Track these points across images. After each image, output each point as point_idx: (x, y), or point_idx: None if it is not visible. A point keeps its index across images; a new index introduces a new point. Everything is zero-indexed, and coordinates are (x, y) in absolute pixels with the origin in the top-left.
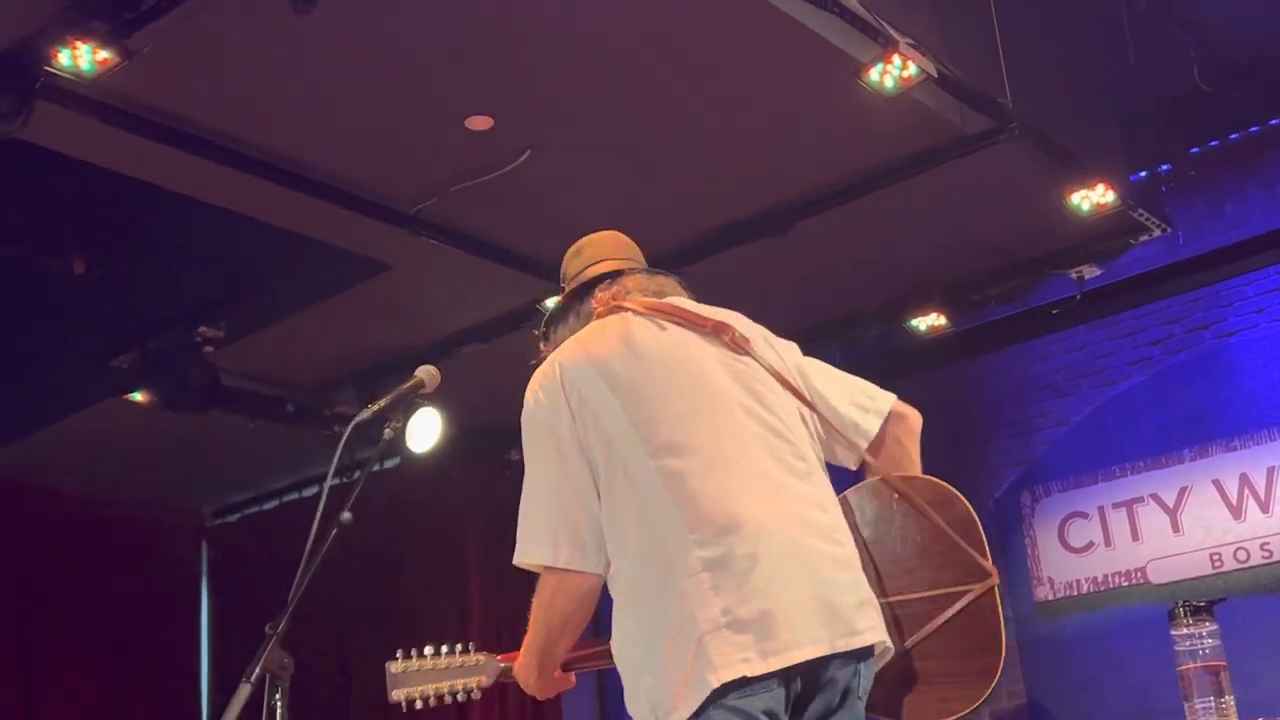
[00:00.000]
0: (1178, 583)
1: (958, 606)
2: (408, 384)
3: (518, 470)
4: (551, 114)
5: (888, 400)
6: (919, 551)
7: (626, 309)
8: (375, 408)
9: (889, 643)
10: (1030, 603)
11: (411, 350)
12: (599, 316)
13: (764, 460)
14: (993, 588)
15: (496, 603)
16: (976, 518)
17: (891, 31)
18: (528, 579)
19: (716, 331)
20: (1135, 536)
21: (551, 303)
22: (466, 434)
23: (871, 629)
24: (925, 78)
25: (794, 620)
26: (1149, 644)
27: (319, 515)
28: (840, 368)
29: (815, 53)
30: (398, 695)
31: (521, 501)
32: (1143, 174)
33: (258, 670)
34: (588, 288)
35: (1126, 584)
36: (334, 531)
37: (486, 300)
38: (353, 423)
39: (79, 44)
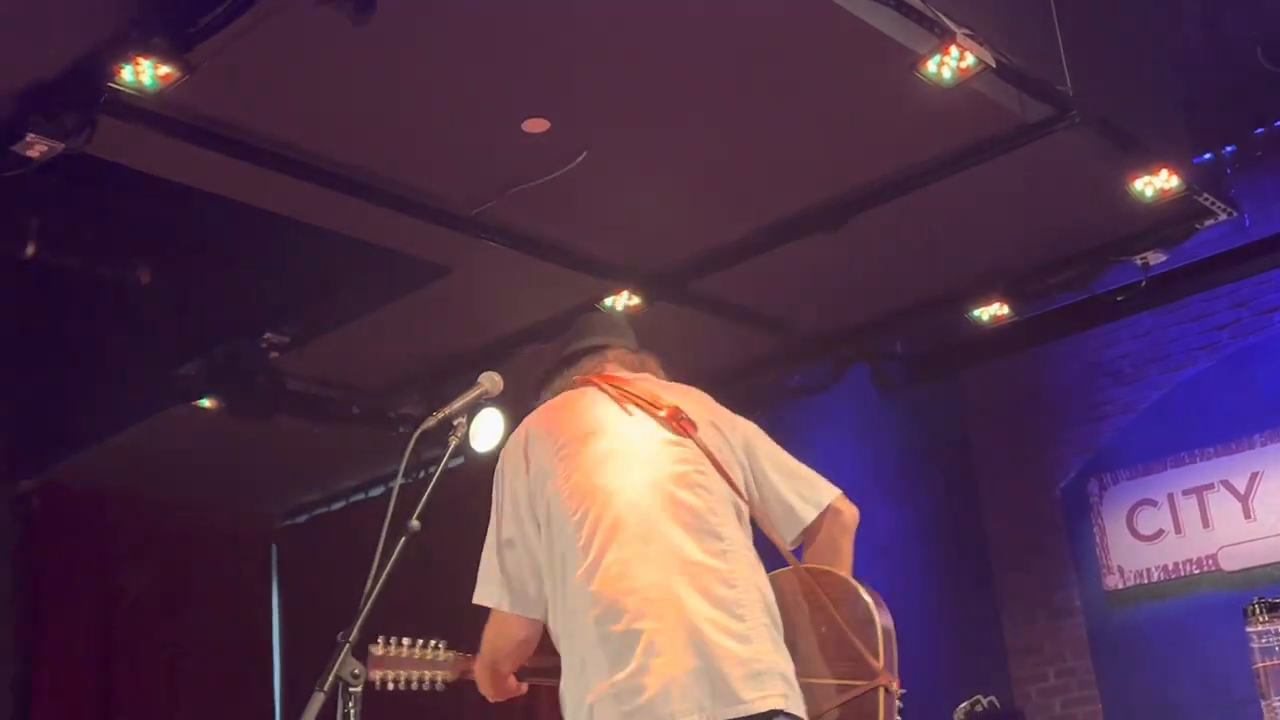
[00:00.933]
0: (1250, 569)
1: (845, 698)
2: (472, 391)
3: None
4: (607, 115)
5: (829, 494)
6: (821, 641)
7: (594, 384)
8: (441, 415)
9: (795, 710)
10: (1100, 592)
11: (472, 351)
12: (576, 388)
13: (678, 538)
14: (879, 687)
15: None
16: (876, 618)
17: (948, 22)
18: None
19: (669, 415)
20: (1206, 523)
21: (615, 301)
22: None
23: (763, 699)
24: (983, 68)
25: (674, 693)
26: (1222, 632)
27: (387, 523)
28: (902, 361)
29: (872, 46)
30: (375, 675)
31: (484, 547)
32: (1207, 156)
33: (330, 679)
34: (573, 358)
35: (1198, 571)
36: (403, 539)
37: (545, 300)
38: (418, 430)
39: (141, 60)
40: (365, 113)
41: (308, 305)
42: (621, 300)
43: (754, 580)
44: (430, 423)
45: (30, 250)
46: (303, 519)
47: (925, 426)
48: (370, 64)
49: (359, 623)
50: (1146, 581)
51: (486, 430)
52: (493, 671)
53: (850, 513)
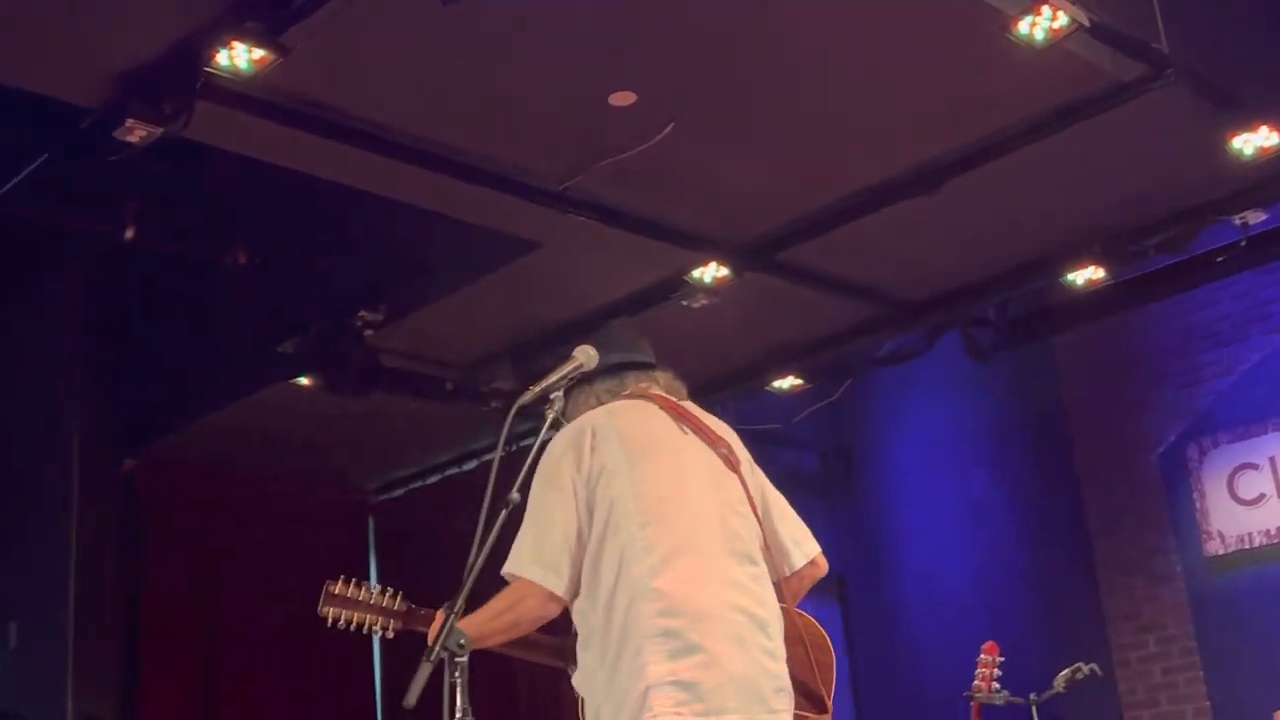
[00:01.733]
0: None
1: None
2: (567, 365)
3: None
4: (694, 86)
5: (814, 548)
6: (798, 673)
7: (653, 400)
8: (537, 389)
9: None
10: (1200, 558)
11: (562, 325)
12: (629, 397)
13: (728, 559)
14: None
15: None
16: (833, 665)
17: None
18: None
19: (717, 445)
20: None
21: (703, 272)
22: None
23: (786, 711)
24: (1076, 28)
25: (727, 691)
26: None
27: (488, 496)
28: (995, 327)
29: (962, 8)
30: (324, 611)
31: (524, 521)
32: None
33: (437, 650)
34: (617, 369)
35: None
36: (503, 511)
37: (634, 273)
38: (515, 405)
39: (236, 44)
40: (455, 90)
41: (400, 282)
42: (710, 271)
43: (777, 607)
44: (527, 397)
45: (130, 233)
46: (398, 493)
47: (1019, 393)
48: (459, 41)
49: (464, 594)
50: (1248, 546)
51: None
52: (483, 640)
53: (824, 567)
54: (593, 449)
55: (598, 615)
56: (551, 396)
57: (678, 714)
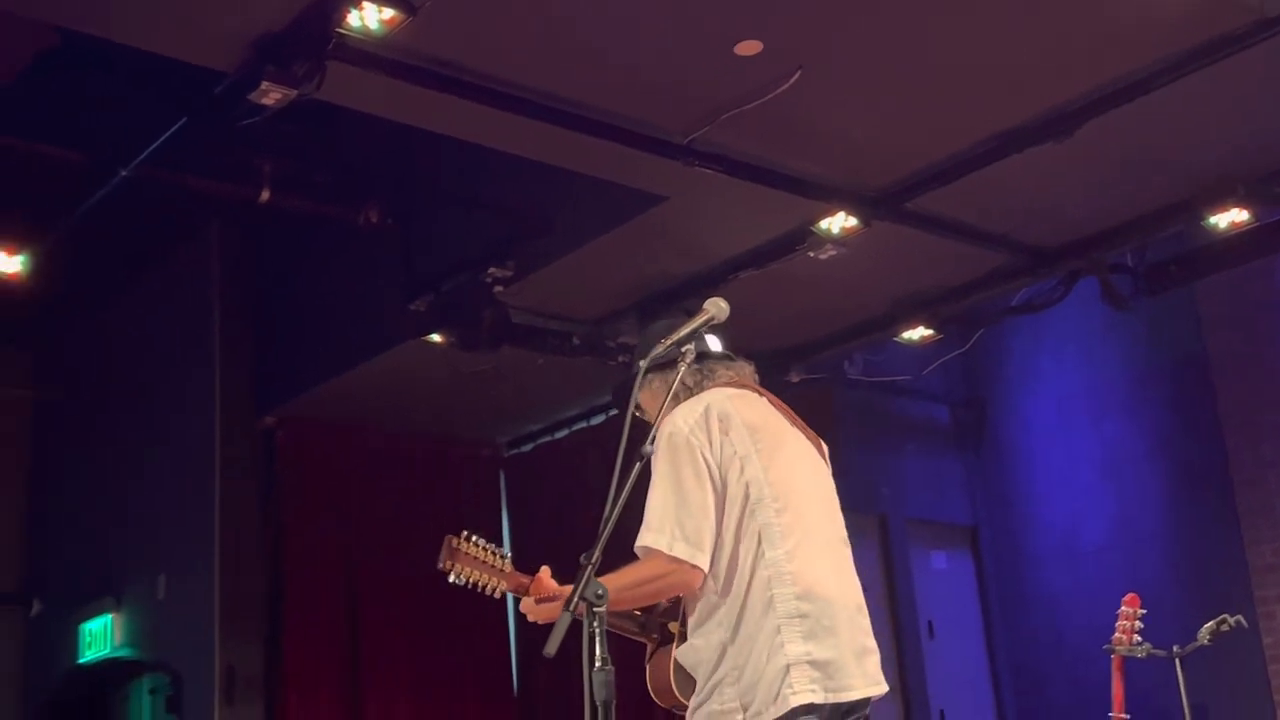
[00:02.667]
0: None
1: None
2: (699, 318)
3: (797, 392)
4: (820, 33)
5: None
6: None
7: (762, 395)
8: (669, 342)
9: None
10: None
11: (688, 278)
12: (729, 385)
13: (838, 545)
14: None
15: None
16: None
17: None
18: None
19: (812, 438)
20: None
21: (831, 223)
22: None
23: (884, 685)
24: None
25: (852, 669)
26: None
27: (622, 448)
28: (1133, 273)
29: None
30: (443, 565)
31: (653, 500)
32: None
33: (576, 600)
34: (705, 357)
35: None
36: (638, 464)
37: (760, 225)
38: (649, 357)
39: (366, 4)
40: (580, 45)
41: (528, 239)
42: (837, 222)
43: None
44: (659, 350)
45: (265, 195)
46: (528, 448)
47: (1158, 340)
48: None
49: (600, 546)
50: None
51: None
52: (618, 602)
53: None
54: (723, 431)
55: (730, 595)
56: (684, 349)
57: (812, 690)
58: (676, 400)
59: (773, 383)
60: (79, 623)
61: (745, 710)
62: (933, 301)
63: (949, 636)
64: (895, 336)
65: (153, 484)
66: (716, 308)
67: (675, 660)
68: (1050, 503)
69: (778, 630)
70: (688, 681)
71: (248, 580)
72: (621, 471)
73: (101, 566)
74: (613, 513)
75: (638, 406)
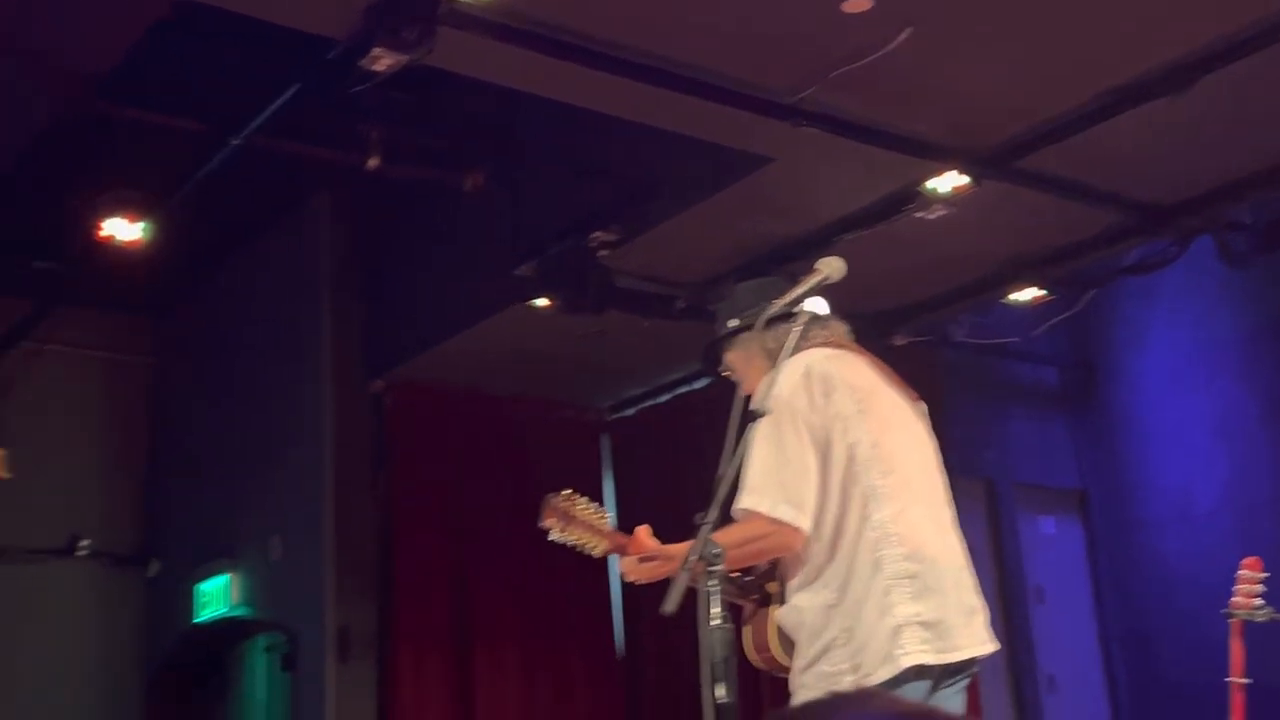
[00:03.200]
0: None
1: None
2: (813, 277)
3: (900, 354)
4: None
5: None
6: None
7: (861, 354)
8: (783, 301)
9: None
10: None
11: (794, 241)
12: (825, 345)
13: (940, 507)
14: None
15: None
16: None
17: None
18: None
19: (911, 398)
20: None
21: (939, 182)
22: (848, 320)
23: (994, 643)
24: None
25: (960, 629)
26: None
27: (736, 408)
28: (1251, 231)
29: None
30: (545, 523)
31: (754, 462)
32: None
33: (693, 558)
34: (800, 317)
35: None
36: (753, 423)
37: (868, 186)
38: (764, 316)
39: None
40: (685, 5)
41: (634, 202)
42: (947, 181)
43: None
44: (774, 309)
45: (374, 162)
46: (631, 412)
47: (1275, 299)
48: None
49: (716, 504)
50: None
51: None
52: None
53: None
54: (825, 393)
55: (836, 557)
56: (796, 310)
57: (923, 650)
58: (771, 361)
59: (877, 346)
60: (196, 583)
61: (856, 671)
62: (1042, 262)
63: (1058, 602)
64: (1004, 298)
65: (266, 447)
66: (830, 267)
67: (775, 622)
68: (1161, 466)
69: (887, 591)
70: (789, 643)
71: (359, 541)
72: (738, 430)
73: (217, 528)
74: (728, 471)
75: (727, 366)
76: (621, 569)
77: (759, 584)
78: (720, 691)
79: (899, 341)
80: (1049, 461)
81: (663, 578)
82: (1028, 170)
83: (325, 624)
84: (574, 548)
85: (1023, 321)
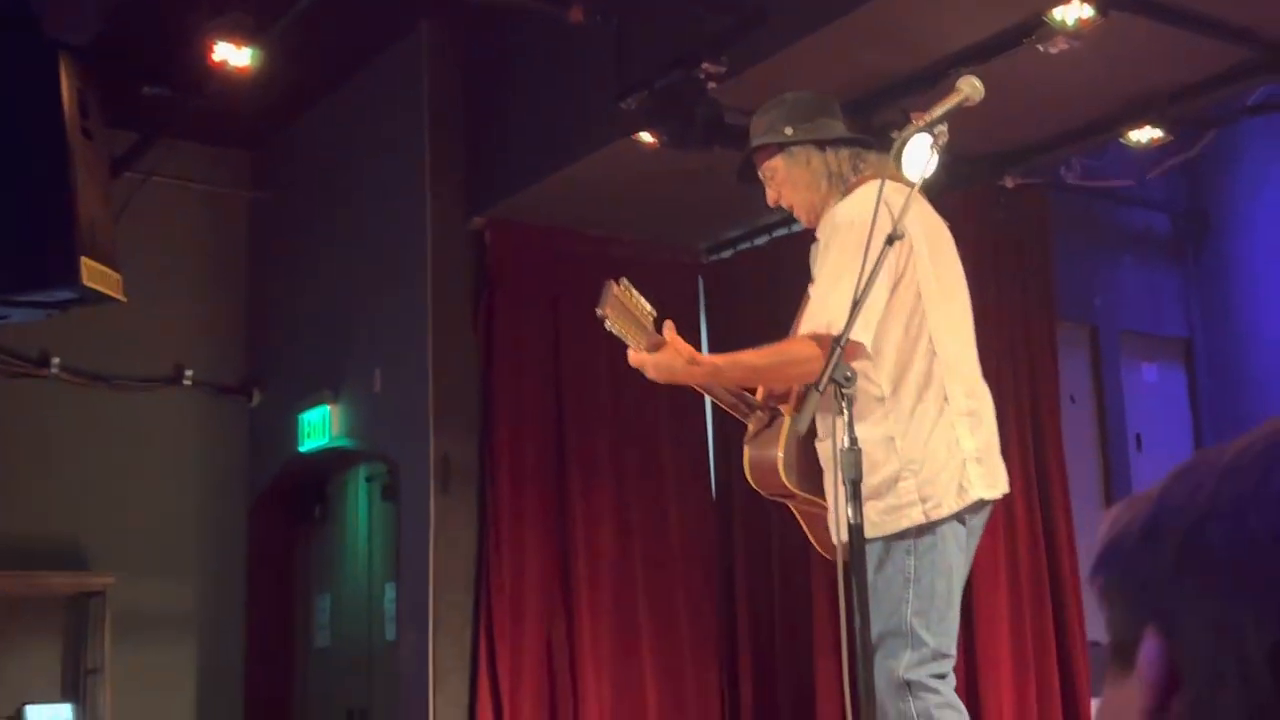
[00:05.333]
0: None
1: None
2: (953, 98)
3: (1010, 196)
4: None
5: None
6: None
7: (904, 184)
8: (923, 121)
9: None
10: None
11: (904, 75)
12: (881, 178)
13: (976, 349)
14: None
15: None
16: None
17: None
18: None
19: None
20: None
21: (1065, 12)
22: (957, 160)
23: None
24: None
25: (999, 469)
26: None
27: (870, 230)
28: None
29: None
30: (604, 311)
31: (824, 283)
32: None
33: (825, 379)
34: (851, 142)
35: None
36: (887, 246)
37: (984, 18)
38: (902, 138)
39: None
40: None
41: (744, 32)
42: (1073, 11)
43: None
44: (911, 130)
45: None
46: (727, 254)
47: None
48: None
49: (852, 325)
50: None
51: (916, 157)
52: (730, 379)
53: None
54: (905, 230)
55: (901, 389)
56: (936, 131)
57: (983, 484)
58: (831, 183)
59: (987, 186)
60: (298, 413)
61: (925, 502)
62: (1165, 101)
63: (1157, 450)
64: (1121, 138)
65: (367, 281)
66: (971, 86)
67: (789, 447)
68: (1272, 320)
69: (953, 425)
70: (796, 471)
71: (459, 374)
72: (875, 252)
73: (319, 360)
74: (865, 293)
75: (769, 172)
76: (637, 362)
77: (771, 405)
78: (850, 511)
79: (1009, 184)
80: (1156, 310)
81: (681, 383)
82: (1157, 1)
83: (426, 455)
84: (620, 338)
85: (1136, 165)
